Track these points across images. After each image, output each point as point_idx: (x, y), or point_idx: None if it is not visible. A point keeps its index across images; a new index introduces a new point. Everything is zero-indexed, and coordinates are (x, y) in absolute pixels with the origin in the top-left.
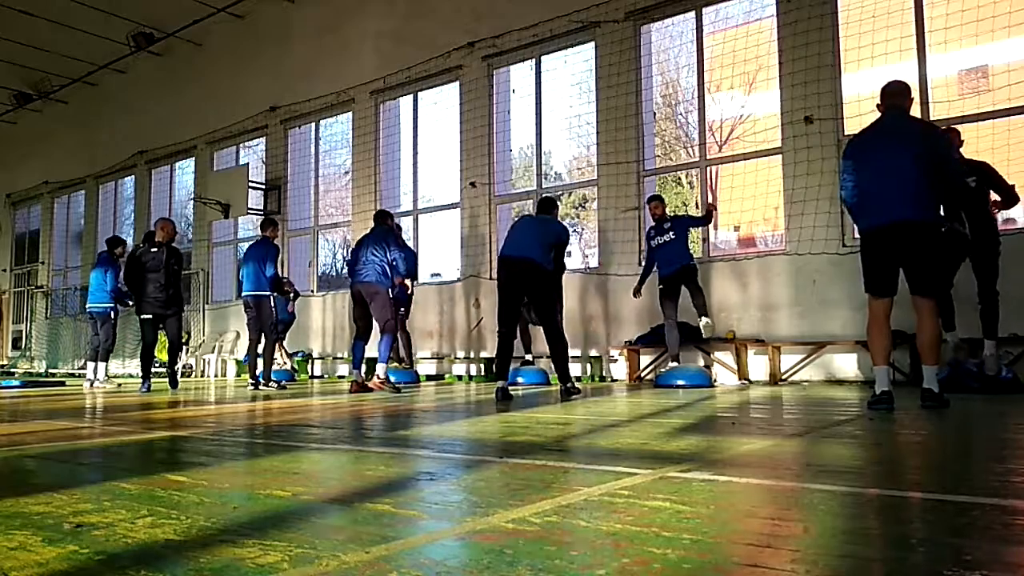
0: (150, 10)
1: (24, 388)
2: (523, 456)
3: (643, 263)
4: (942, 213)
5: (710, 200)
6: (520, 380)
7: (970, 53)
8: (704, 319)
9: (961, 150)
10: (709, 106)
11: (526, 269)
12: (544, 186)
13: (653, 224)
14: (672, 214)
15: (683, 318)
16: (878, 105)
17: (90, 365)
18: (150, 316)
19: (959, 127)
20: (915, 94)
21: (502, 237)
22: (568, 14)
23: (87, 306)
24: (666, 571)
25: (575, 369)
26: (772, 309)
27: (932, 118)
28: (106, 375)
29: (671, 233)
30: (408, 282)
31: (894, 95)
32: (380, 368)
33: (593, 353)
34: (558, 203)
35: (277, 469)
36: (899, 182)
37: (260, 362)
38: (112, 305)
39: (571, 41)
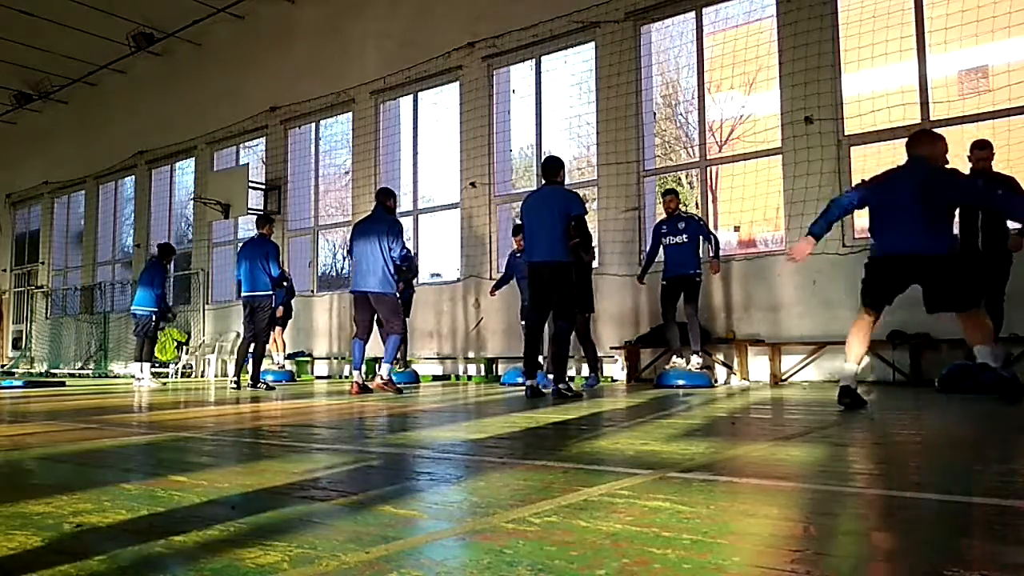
0: (150, 10)
1: (26, 388)
2: (523, 456)
3: (646, 254)
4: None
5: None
6: (519, 381)
7: (970, 53)
8: (684, 361)
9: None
10: (709, 106)
11: (547, 274)
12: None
13: (666, 219)
14: (686, 212)
15: (681, 318)
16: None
17: (134, 365)
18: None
19: (959, 128)
20: (915, 95)
21: (503, 237)
22: (568, 14)
23: (132, 308)
24: (666, 571)
25: (575, 369)
26: (772, 309)
27: (932, 118)
28: (150, 374)
29: (684, 235)
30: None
31: (917, 145)
32: (384, 368)
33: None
34: (563, 163)
35: (277, 470)
36: (919, 222)
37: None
38: (155, 310)
39: (571, 41)
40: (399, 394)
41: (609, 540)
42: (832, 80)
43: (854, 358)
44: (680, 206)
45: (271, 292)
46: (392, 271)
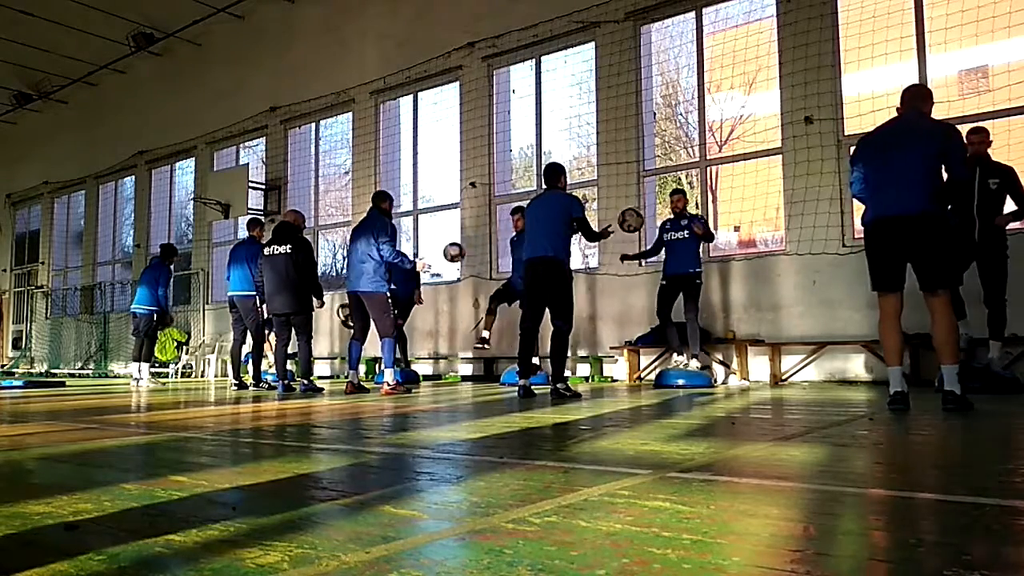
0: (150, 10)
1: (26, 388)
2: (523, 456)
3: (650, 247)
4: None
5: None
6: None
7: (970, 53)
8: (685, 358)
9: (989, 151)
10: (709, 106)
11: (543, 269)
12: (543, 186)
13: (671, 217)
14: (691, 212)
15: (677, 317)
16: (897, 108)
17: (133, 365)
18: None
19: (960, 128)
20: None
21: (503, 237)
22: (568, 14)
23: (132, 307)
24: (666, 571)
25: (577, 369)
26: (772, 309)
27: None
28: (148, 374)
29: (685, 232)
30: (422, 270)
31: (914, 98)
32: (388, 374)
33: (593, 353)
34: (564, 169)
35: (277, 470)
36: (910, 177)
37: (250, 361)
38: (156, 308)
39: (571, 41)
40: (408, 394)
41: (609, 540)
42: (832, 80)
43: (892, 359)
44: (687, 206)
45: (253, 292)
46: (383, 271)
